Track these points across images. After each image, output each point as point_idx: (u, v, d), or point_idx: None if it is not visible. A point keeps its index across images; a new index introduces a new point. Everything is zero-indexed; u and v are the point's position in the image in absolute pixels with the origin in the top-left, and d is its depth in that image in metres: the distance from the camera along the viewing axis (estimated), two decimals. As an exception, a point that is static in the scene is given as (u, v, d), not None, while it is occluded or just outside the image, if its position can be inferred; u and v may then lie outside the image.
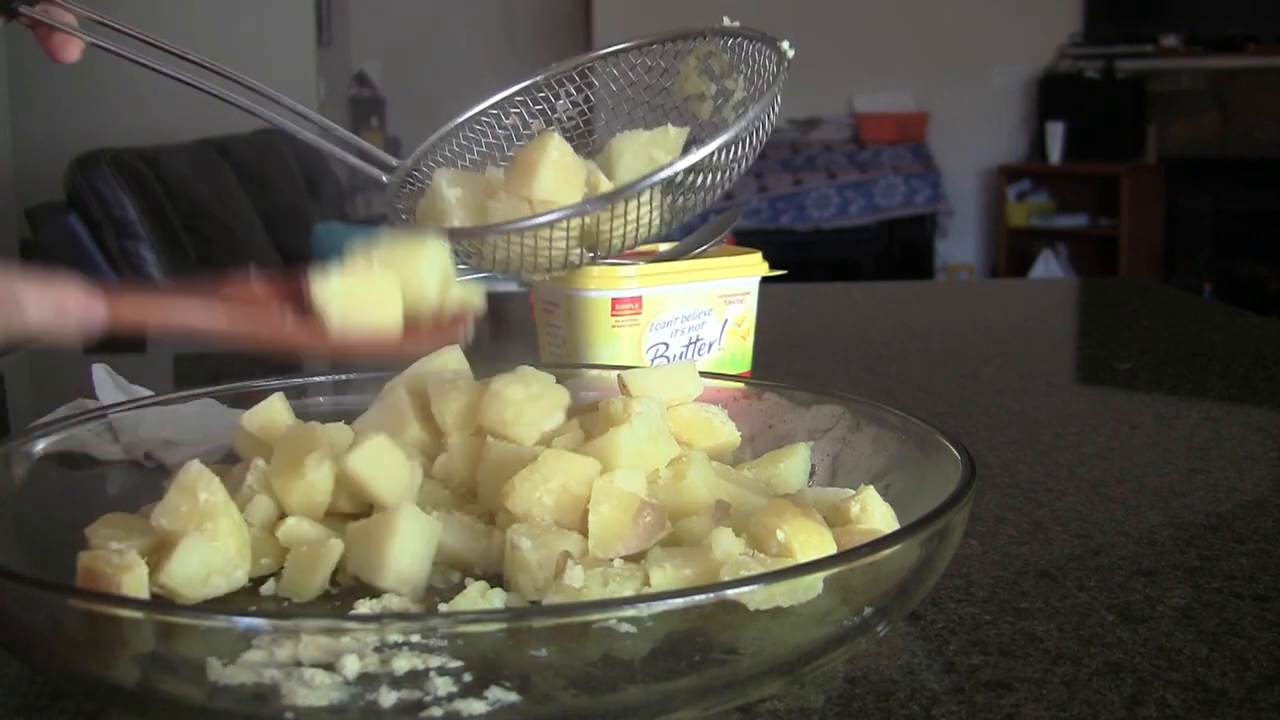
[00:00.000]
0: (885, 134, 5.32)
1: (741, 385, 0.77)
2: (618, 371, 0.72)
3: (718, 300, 0.91)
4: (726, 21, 0.78)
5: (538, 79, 0.86)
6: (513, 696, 0.45)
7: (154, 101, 4.05)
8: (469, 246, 0.72)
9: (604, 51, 0.85)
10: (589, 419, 0.68)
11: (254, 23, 4.25)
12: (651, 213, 0.72)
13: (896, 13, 5.33)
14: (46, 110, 4.04)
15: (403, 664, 0.46)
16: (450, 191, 0.74)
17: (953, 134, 5.40)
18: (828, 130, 5.43)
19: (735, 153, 0.73)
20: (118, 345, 1.42)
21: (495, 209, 0.72)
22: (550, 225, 0.70)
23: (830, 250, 5.10)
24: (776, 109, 0.75)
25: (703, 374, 0.72)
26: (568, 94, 0.86)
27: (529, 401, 0.64)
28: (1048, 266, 5.14)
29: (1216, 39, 5.00)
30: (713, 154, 0.71)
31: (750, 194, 5.10)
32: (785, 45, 0.75)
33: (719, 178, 0.74)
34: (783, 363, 1.16)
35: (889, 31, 5.35)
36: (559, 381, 0.67)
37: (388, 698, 0.45)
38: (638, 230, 0.72)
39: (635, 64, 0.84)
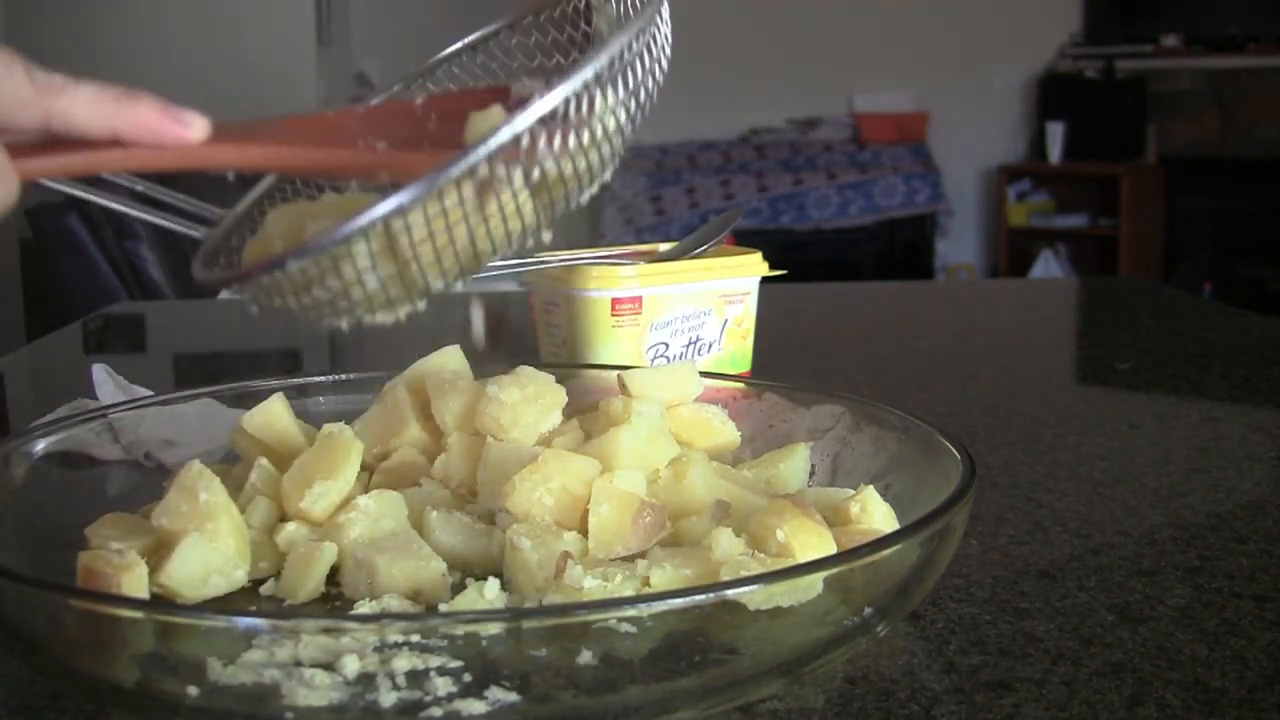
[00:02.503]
0: (885, 134, 5.32)
1: (741, 385, 0.77)
2: (618, 371, 0.72)
3: (718, 300, 0.91)
4: None
5: (394, 91, 0.68)
6: (513, 696, 0.45)
7: (154, 101, 4.05)
8: (250, 294, 0.54)
9: (457, 46, 0.68)
10: (589, 419, 0.68)
11: (254, 23, 4.25)
12: (505, 203, 0.51)
13: (896, 13, 5.33)
14: (46, 110, 4.04)
15: (403, 664, 0.46)
16: (276, 225, 0.58)
17: (953, 134, 5.40)
18: (828, 130, 5.43)
19: (611, 98, 0.53)
20: (118, 345, 1.42)
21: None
22: (338, 245, 0.49)
23: (830, 250, 5.10)
24: (666, 37, 0.58)
25: (703, 374, 0.72)
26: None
27: (525, 404, 0.64)
28: (1048, 266, 5.14)
29: (1216, 39, 5.00)
30: (569, 102, 0.50)
31: (750, 194, 5.10)
32: None
33: (600, 131, 0.53)
34: (783, 363, 1.16)
35: (889, 31, 5.36)
36: (559, 381, 0.67)
37: (388, 698, 0.45)
38: (505, 228, 0.52)
39: (509, 46, 0.67)
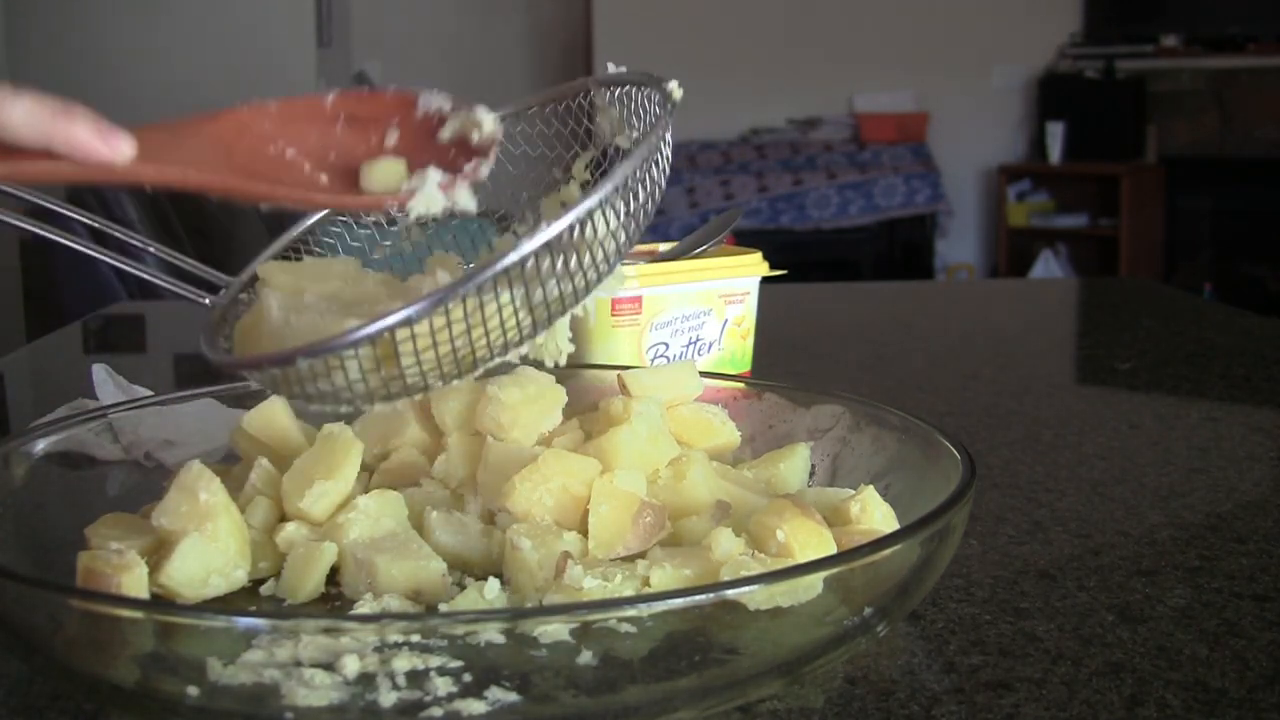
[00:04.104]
0: (885, 134, 5.32)
1: (741, 385, 0.77)
2: (618, 371, 0.72)
3: (718, 300, 0.91)
4: (611, 69, 0.64)
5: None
6: (513, 696, 0.45)
7: (154, 102, 4.06)
8: (256, 380, 0.56)
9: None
10: (589, 419, 0.68)
11: (254, 23, 4.25)
12: (505, 318, 0.54)
13: (896, 13, 5.33)
14: (46, 110, 4.04)
15: (403, 664, 0.46)
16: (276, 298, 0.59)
17: (953, 134, 5.40)
18: (828, 130, 5.43)
19: (612, 220, 0.55)
20: (118, 345, 1.42)
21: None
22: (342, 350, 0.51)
23: (830, 250, 5.09)
24: (666, 158, 0.59)
25: (703, 374, 0.72)
26: None
27: (525, 404, 0.64)
28: (1048, 266, 5.14)
29: (1216, 39, 5.00)
30: (571, 230, 0.53)
31: (750, 194, 5.10)
32: (673, 86, 0.60)
33: (600, 254, 0.55)
34: (783, 363, 1.16)
35: (889, 31, 5.36)
36: (559, 381, 0.67)
37: (388, 698, 0.45)
38: (505, 338, 0.54)
39: (513, 133, 0.69)
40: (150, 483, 0.70)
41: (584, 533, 0.58)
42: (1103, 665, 0.54)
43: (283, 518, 0.62)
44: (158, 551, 0.58)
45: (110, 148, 0.52)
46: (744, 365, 0.94)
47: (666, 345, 0.90)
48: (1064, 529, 0.71)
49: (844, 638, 0.50)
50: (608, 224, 0.55)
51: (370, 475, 0.67)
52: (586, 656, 0.47)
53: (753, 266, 0.93)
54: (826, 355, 1.27)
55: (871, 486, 0.61)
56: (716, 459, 0.68)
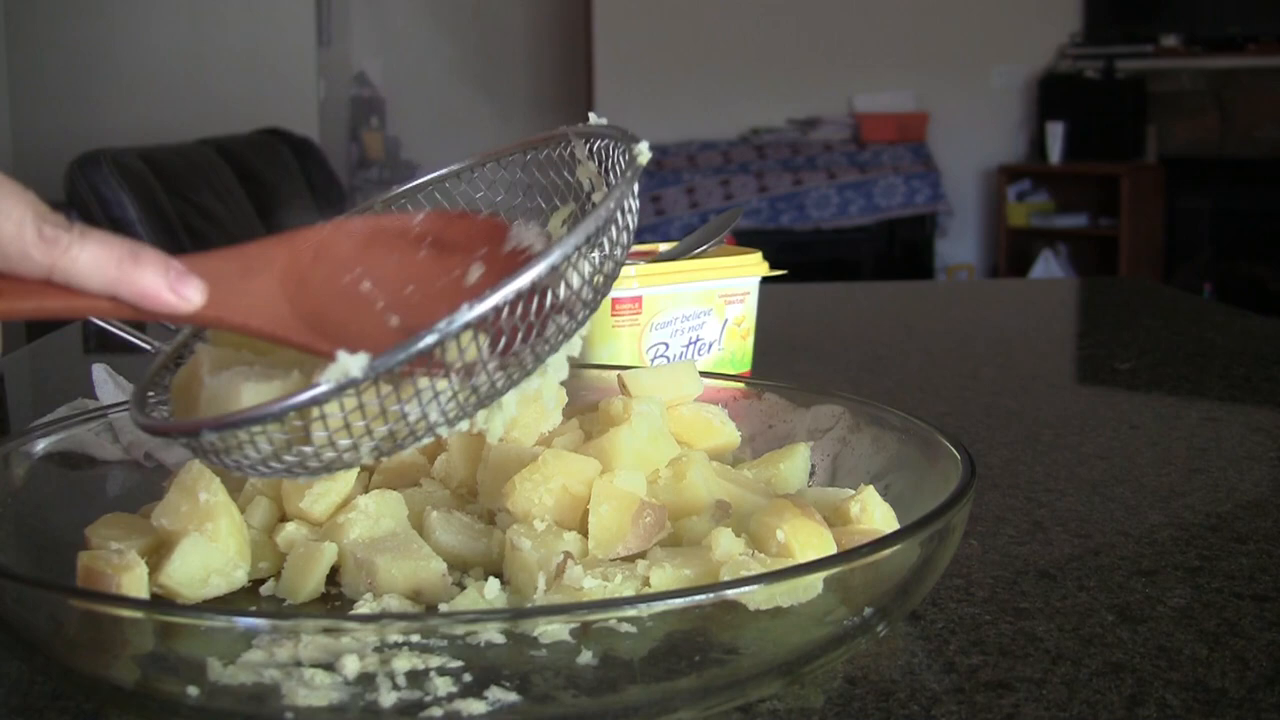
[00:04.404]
0: (885, 134, 5.32)
1: (741, 385, 0.77)
2: (618, 371, 0.72)
3: (718, 300, 0.91)
4: (592, 119, 0.61)
5: (372, 204, 0.66)
6: (513, 696, 0.45)
7: (154, 101, 4.06)
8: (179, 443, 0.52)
9: (440, 173, 0.66)
10: (589, 419, 0.68)
11: (254, 23, 4.25)
12: (425, 401, 0.49)
13: (896, 13, 5.34)
14: (46, 110, 4.05)
15: (403, 664, 0.46)
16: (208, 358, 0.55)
17: (953, 134, 5.40)
18: (828, 130, 5.43)
19: (567, 290, 0.50)
20: (118, 346, 1.42)
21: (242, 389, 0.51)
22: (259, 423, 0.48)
23: (830, 250, 5.10)
24: (630, 221, 0.54)
25: (703, 374, 0.72)
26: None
27: (525, 404, 0.64)
28: (1048, 266, 5.14)
29: (1216, 39, 5.01)
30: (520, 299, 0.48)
31: (750, 194, 5.10)
32: (641, 148, 0.55)
33: (541, 332, 0.50)
34: (783, 363, 1.16)
35: (889, 31, 5.36)
36: (559, 381, 0.66)
37: (388, 698, 0.45)
38: (426, 420, 0.49)
39: (494, 180, 0.65)
40: (150, 483, 0.70)
41: (584, 533, 0.58)
42: (1103, 665, 0.54)
43: (283, 518, 0.62)
44: (158, 551, 0.58)
45: (179, 297, 0.50)
46: (744, 365, 0.94)
47: (666, 345, 0.90)
48: (1064, 529, 0.71)
49: (844, 638, 0.50)
50: (545, 302, 0.49)
51: (370, 475, 0.67)
52: (586, 656, 0.47)
53: (753, 266, 0.93)
54: (826, 355, 1.27)
55: (871, 486, 0.61)
56: (716, 459, 0.68)
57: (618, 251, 0.53)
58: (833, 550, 0.55)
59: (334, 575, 0.59)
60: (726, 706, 0.49)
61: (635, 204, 0.55)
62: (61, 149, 3.19)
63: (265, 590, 0.60)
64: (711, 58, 5.32)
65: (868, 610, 0.51)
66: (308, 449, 0.48)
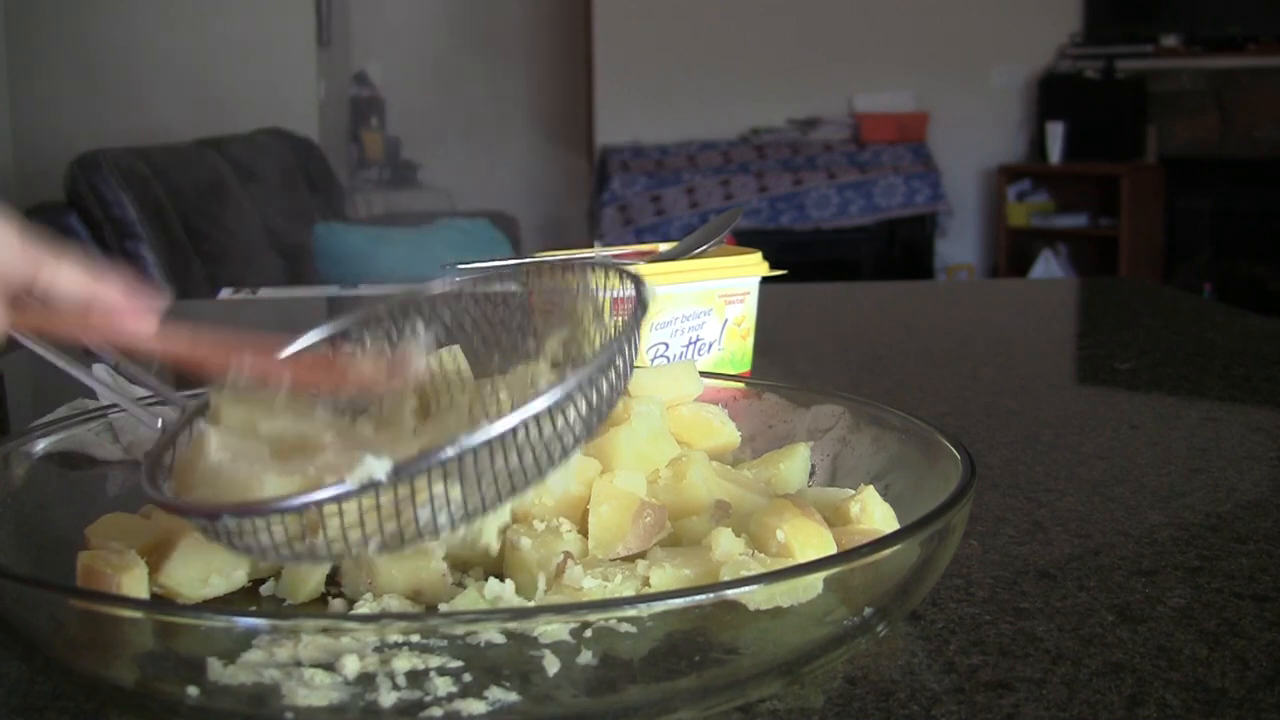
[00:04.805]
0: (885, 134, 5.32)
1: (741, 385, 0.77)
2: (618, 371, 0.72)
3: (718, 300, 0.91)
4: (598, 248, 0.64)
5: (376, 311, 0.66)
6: (513, 696, 0.45)
7: (154, 101, 4.06)
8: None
9: (443, 291, 0.66)
10: (589, 419, 0.68)
11: (254, 23, 4.25)
12: (438, 507, 0.50)
13: (896, 13, 5.34)
14: (46, 110, 4.05)
15: (403, 664, 0.46)
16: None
17: (953, 134, 5.40)
18: (828, 130, 5.43)
19: (561, 420, 0.51)
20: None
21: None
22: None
23: (830, 250, 5.10)
24: (630, 361, 0.55)
25: (703, 374, 0.72)
26: (405, 331, 0.65)
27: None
28: (1048, 266, 5.14)
29: (1216, 39, 5.01)
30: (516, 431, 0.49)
31: (750, 194, 5.10)
32: (649, 292, 0.57)
33: (546, 454, 0.51)
34: (783, 363, 1.16)
35: (889, 31, 5.36)
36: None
37: (388, 698, 0.45)
38: (434, 522, 0.50)
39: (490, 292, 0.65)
40: (150, 483, 0.69)
41: (584, 533, 0.58)
42: (1103, 665, 0.54)
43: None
44: (158, 551, 0.58)
45: (139, 311, 0.57)
46: (744, 365, 0.94)
47: (666, 345, 0.90)
48: (1064, 529, 0.71)
49: (844, 638, 0.50)
50: (555, 425, 0.51)
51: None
52: (586, 656, 0.47)
53: (753, 266, 0.93)
54: (826, 355, 1.27)
55: (871, 486, 0.61)
56: (716, 459, 0.68)
57: (620, 384, 0.55)
58: (833, 550, 0.55)
59: (334, 575, 0.59)
60: (726, 706, 0.49)
61: (639, 342, 0.58)
62: (61, 149, 3.19)
63: (265, 590, 0.60)
64: (711, 58, 5.32)
65: (868, 610, 0.51)
66: (319, 541, 0.49)
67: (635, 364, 0.57)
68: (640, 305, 0.56)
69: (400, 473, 0.48)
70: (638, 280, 0.58)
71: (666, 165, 5.25)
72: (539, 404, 0.50)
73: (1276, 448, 0.90)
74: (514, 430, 0.49)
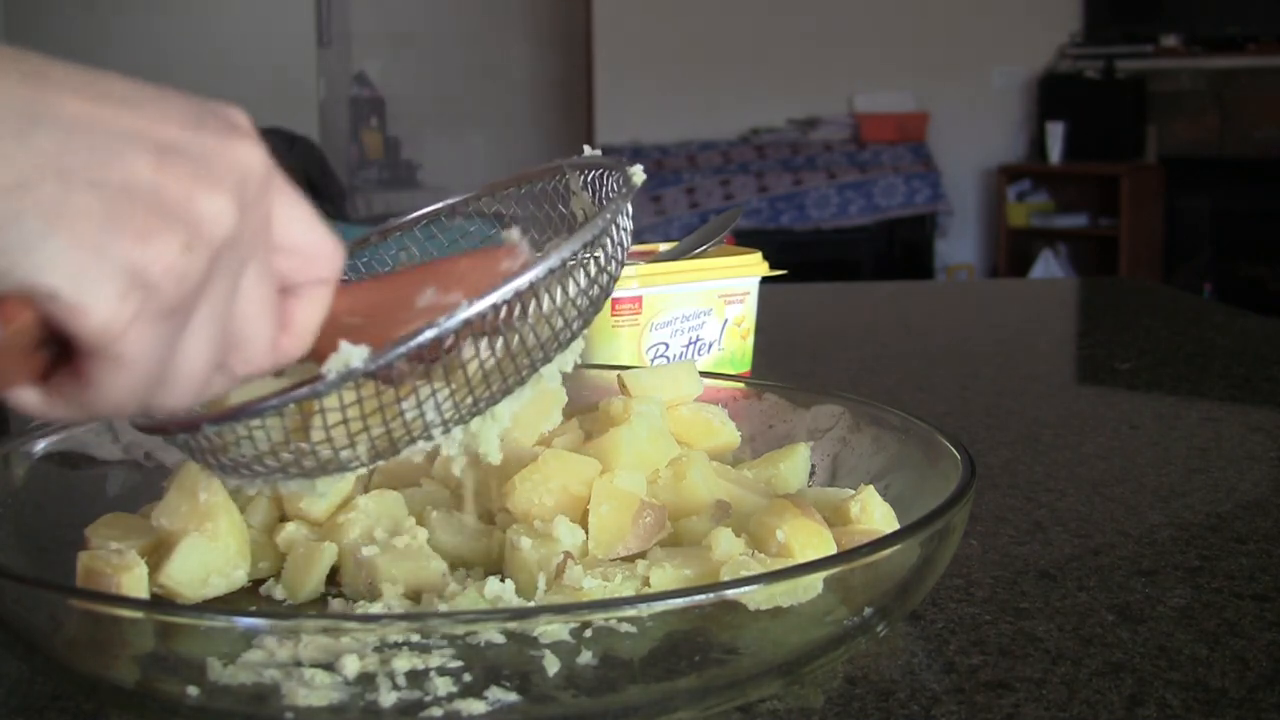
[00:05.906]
0: (885, 134, 5.32)
1: (741, 385, 0.77)
2: (618, 371, 0.72)
3: (718, 300, 0.91)
4: (586, 151, 0.62)
5: (368, 236, 0.67)
6: (513, 696, 0.45)
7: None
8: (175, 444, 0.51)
9: (435, 208, 0.67)
10: (589, 419, 0.68)
11: (254, 23, 4.25)
12: (424, 399, 0.48)
13: (896, 13, 5.34)
14: (46, 110, 4.04)
15: (403, 664, 0.46)
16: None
17: (953, 134, 5.40)
18: (828, 130, 5.43)
19: (563, 297, 0.50)
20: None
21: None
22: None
23: (830, 250, 5.10)
24: (620, 243, 0.54)
25: (703, 374, 0.72)
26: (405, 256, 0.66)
27: (524, 404, 0.64)
28: (1048, 266, 5.14)
29: (1216, 39, 5.00)
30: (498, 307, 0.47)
31: (750, 194, 5.10)
32: (635, 170, 0.57)
33: (535, 337, 0.49)
34: (783, 363, 1.16)
35: (889, 32, 5.36)
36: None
37: (388, 698, 0.45)
38: (423, 420, 0.48)
39: (487, 214, 0.66)
40: (150, 483, 0.70)
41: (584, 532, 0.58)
42: (1103, 665, 0.54)
43: (283, 517, 0.62)
44: (158, 551, 0.58)
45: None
46: (744, 365, 0.94)
47: (666, 345, 0.90)
48: (1064, 529, 0.71)
49: (844, 638, 0.50)
50: (541, 306, 0.49)
51: (370, 475, 0.67)
52: (586, 656, 0.47)
53: (753, 266, 0.93)
54: (826, 355, 1.27)
55: (871, 486, 0.61)
56: (716, 459, 0.68)
57: (612, 265, 0.53)
58: (833, 550, 0.55)
59: (334, 575, 0.59)
60: (726, 706, 0.49)
61: (629, 224, 0.55)
62: (61, 149, 3.18)
63: (265, 590, 0.60)
64: (711, 58, 5.32)
65: (868, 610, 0.51)
66: (304, 445, 0.48)
67: (629, 246, 0.54)
68: (626, 182, 0.55)
69: (378, 357, 0.45)
70: (623, 163, 0.57)
71: (666, 165, 5.24)
72: (519, 281, 0.46)
73: (1276, 448, 0.90)
74: (495, 308, 0.46)
